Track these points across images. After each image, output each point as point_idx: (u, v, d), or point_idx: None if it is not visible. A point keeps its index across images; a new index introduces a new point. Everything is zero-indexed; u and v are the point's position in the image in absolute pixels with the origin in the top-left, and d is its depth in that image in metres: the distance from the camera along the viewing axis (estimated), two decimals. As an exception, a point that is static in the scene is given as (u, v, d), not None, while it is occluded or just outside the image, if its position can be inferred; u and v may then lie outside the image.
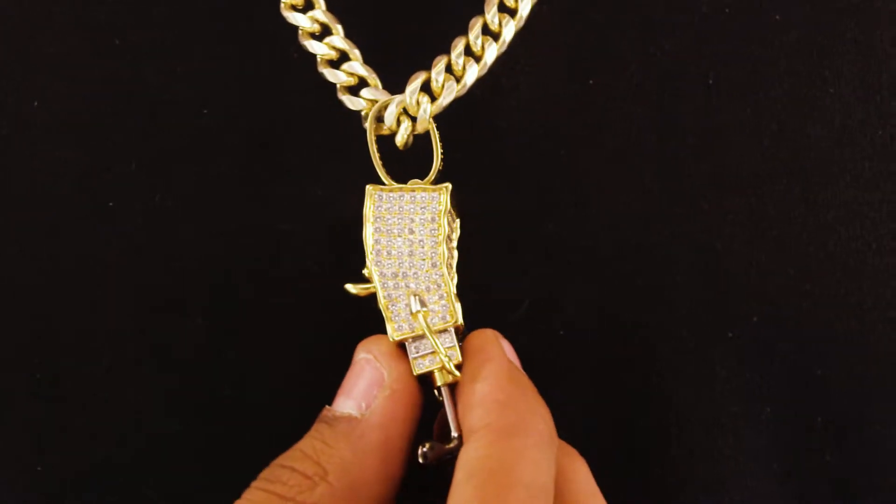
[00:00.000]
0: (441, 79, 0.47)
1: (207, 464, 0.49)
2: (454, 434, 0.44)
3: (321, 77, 0.48)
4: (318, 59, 0.49)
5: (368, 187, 0.46)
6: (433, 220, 0.46)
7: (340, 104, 0.48)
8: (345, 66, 0.48)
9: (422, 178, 0.47)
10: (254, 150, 0.50)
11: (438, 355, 0.44)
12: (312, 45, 0.48)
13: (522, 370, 0.44)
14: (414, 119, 0.48)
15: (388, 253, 0.46)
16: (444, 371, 0.45)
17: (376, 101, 0.48)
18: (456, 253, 0.47)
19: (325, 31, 0.49)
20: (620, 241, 0.49)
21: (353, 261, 0.47)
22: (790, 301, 0.49)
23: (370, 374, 0.44)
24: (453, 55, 0.48)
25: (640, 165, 0.50)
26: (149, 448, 0.49)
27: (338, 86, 0.48)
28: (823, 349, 0.49)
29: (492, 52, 0.48)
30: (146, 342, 0.49)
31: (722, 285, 0.49)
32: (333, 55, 0.49)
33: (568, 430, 0.45)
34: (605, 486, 0.44)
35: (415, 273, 0.45)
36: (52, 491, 0.49)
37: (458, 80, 0.48)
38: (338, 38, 0.48)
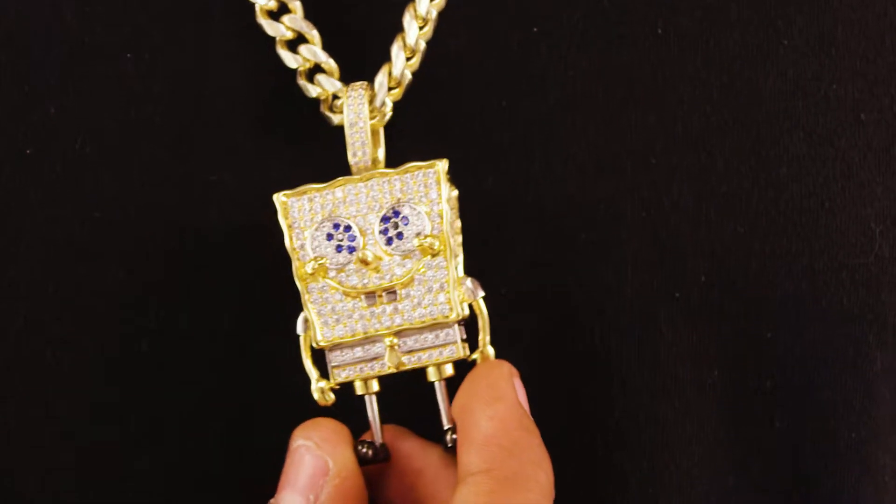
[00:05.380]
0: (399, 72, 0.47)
1: (125, 422, 0.47)
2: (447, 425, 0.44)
3: (249, 22, 0.47)
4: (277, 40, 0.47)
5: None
6: None
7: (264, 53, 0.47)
8: (302, 48, 0.47)
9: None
10: (180, 97, 0.48)
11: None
12: (271, 25, 0.47)
13: (529, 413, 0.43)
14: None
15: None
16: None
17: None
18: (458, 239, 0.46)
19: (282, 9, 0.47)
20: (563, 195, 0.48)
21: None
22: (739, 260, 0.48)
23: (312, 463, 0.43)
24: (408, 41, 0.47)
25: (585, 118, 0.48)
26: (65, 408, 0.47)
27: (297, 69, 0.47)
28: (773, 311, 0.48)
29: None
30: (65, 296, 0.47)
31: (669, 243, 0.48)
32: (290, 35, 0.47)
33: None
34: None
35: None
36: None
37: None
38: (297, 18, 0.47)
